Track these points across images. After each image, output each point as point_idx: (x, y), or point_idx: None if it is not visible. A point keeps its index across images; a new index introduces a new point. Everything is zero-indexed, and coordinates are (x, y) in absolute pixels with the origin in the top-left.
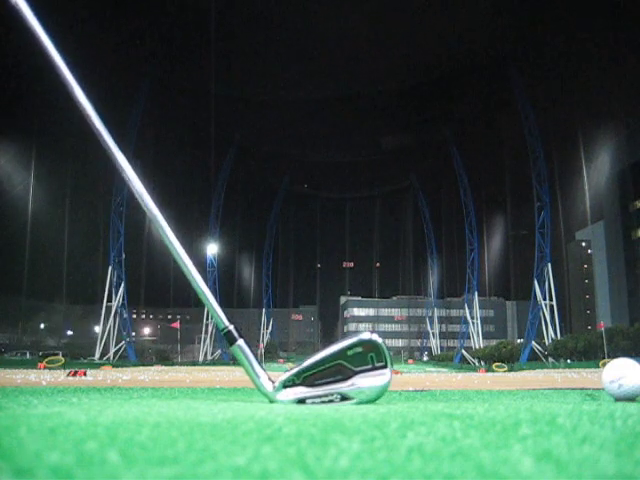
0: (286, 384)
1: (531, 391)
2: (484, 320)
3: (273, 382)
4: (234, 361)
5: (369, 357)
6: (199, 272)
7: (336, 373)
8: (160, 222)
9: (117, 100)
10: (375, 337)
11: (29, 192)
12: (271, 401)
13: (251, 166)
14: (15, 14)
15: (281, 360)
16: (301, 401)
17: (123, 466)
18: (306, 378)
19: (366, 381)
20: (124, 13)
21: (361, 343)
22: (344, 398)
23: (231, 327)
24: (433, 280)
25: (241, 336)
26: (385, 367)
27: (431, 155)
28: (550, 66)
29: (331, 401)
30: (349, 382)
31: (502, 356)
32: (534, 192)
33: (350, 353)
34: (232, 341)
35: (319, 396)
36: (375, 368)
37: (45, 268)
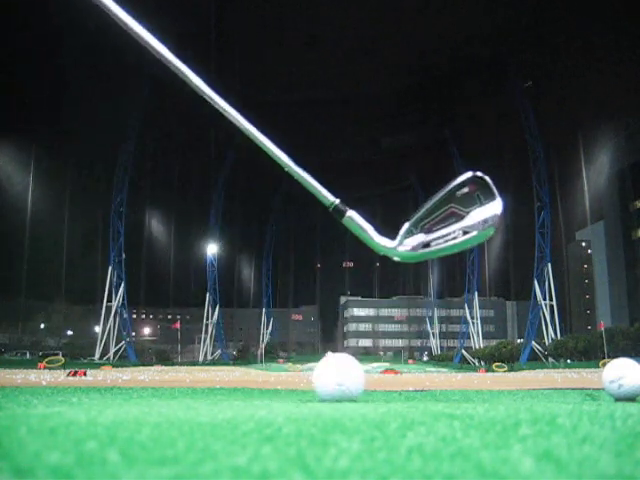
0: (406, 236)
1: (531, 391)
2: (484, 320)
3: (390, 238)
4: (234, 361)
5: (476, 196)
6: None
7: (450, 216)
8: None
9: (117, 101)
10: (479, 173)
11: (29, 192)
12: (396, 255)
13: (251, 166)
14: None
15: (281, 360)
16: (426, 245)
17: (123, 466)
18: (424, 226)
19: (481, 215)
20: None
21: (466, 183)
22: (465, 232)
23: (337, 201)
24: (433, 280)
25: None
26: (494, 199)
27: (431, 155)
28: (550, 66)
29: (454, 238)
30: (465, 220)
31: (502, 356)
32: (534, 192)
33: (459, 195)
34: (342, 214)
35: (442, 236)
36: (484, 204)
37: (45, 268)
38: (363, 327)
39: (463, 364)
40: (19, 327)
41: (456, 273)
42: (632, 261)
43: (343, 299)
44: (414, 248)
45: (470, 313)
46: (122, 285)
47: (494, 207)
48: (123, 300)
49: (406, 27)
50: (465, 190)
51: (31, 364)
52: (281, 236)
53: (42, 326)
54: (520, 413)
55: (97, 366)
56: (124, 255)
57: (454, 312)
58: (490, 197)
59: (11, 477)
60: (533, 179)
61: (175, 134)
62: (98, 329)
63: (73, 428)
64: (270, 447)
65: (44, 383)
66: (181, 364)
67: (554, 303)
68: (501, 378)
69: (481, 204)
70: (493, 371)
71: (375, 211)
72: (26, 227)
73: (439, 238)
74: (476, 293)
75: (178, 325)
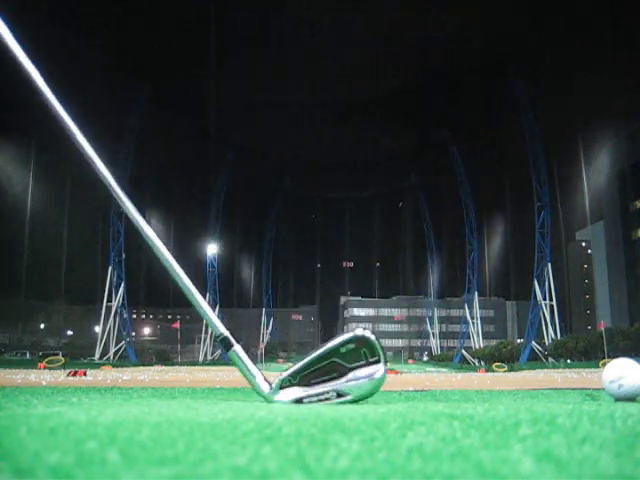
0: (283, 385)
1: (531, 391)
2: (484, 320)
3: (270, 383)
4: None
5: (362, 353)
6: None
7: (331, 371)
8: (149, 235)
9: (118, 101)
10: (367, 333)
11: (29, 192)
12: (269, 402)
13: (251, 166)
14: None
15: (281, 360)
16: (298, 401)
17: (123, 466)
18: (302, 378)
19: (360, 377)
20: (125, 14)
21: (353, 340)
22: (340, 395)
23: (226, 333)
24: (433, 280)
25: (237, 341)
26: (379, 362)
27: (431, 155)
28: (550, 66)
29: (327, 399)
30: (344, 379)
31: (502, 356)
32: (534, 192)
33: (343, 350)
34: (228, 347)
35: (316, 394)
36: (369, 363)
37: (45, 268)
38: (363, 327)
39: (463, 364)
40: (19, 327)
41: (456, 273)
42: (632, 261)
43: (343, 299)
44: (287, 401)
45: (470, 313)
46: (122, 285)
47: (377, 371)
48: (123, 300)
49: (406, 28)
50: (351, 346)
51: (31, 364)
52: (281, 236)
53: (42, 326)
54: (520, 413)
55: (97, 366)
56: (124, 255)
57: (454, 312)
58: (375, 358)
59: (11, 477)
60: (533, 179)
61: (176, 134)
62: (98, 329)
63: (73, 428)
64: (270, 447)
65: (44, 383)
66: (181, 364)
67: (554, 303)
68: (501, 378)
69: (367, 363)
70: (493, 371)
71: (375, 211)
72: (26, 227)
73: (312, 396)
74: (476, 293)
75: (178, 325)
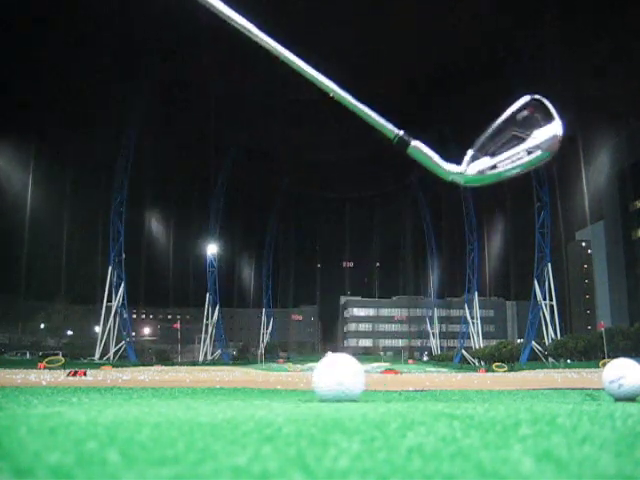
0: (471, 161)
1: (531, 391)
2: (484, 320)
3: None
4: (234, 361)
5: (536, 118)
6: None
7: (512, 139)
8: None
9: (118, 101)
10: (537, 96)
11: (29, 192)
12: (465, 179)
13: (251, 166)
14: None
15: (281, 360)
16: (493, 167)
17: (123, 466)
18: (488, 151)
19: (542, 136)
20: (125, 14)
21: (525, 106)
22: (529, 152)
23: (401, 132)
24: (433, 280)
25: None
26: (553, 120)
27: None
28: (550, 65)
29: (520, 158)
30: (528, 141)
31: (502, 356)
32: (534, 192)
33: (519, 118)
34: (407, 144)
35: (508, 157)
36: (543, 126)
37: (45, 268)
38: (363, 327)
39: (463, 364)
40: (19, 327)
41: (456, 273)
42: (632, 261)
43: (343, 299)
44: (481, 171)
45: (470, 313)
46: (122, 285)
47: (554, 128)
48: (123, 300)
49: (406, 27)
50: (525, 113)
51: (31, 364)
52: (281, 236)
53: (42, 326)
54: (520, 413)
55: (97, 366)
56: (124, 255)
57: (454, 312)
58: (549, 119)
59: (11, 477)
60: (533, 179)
61: (176, 134)
62: (98, 329)
63: (73, 428)
64: (270, 447)
65: (44, 383)
66: (181, 364)
67: (554, 303)
68: (501, 378)
69: (541, 126)
70: (493, 371)
71: (375, 211)
72: (26, 227)
73: (505, 159)
74: (476, 293)
75: (178, 325)
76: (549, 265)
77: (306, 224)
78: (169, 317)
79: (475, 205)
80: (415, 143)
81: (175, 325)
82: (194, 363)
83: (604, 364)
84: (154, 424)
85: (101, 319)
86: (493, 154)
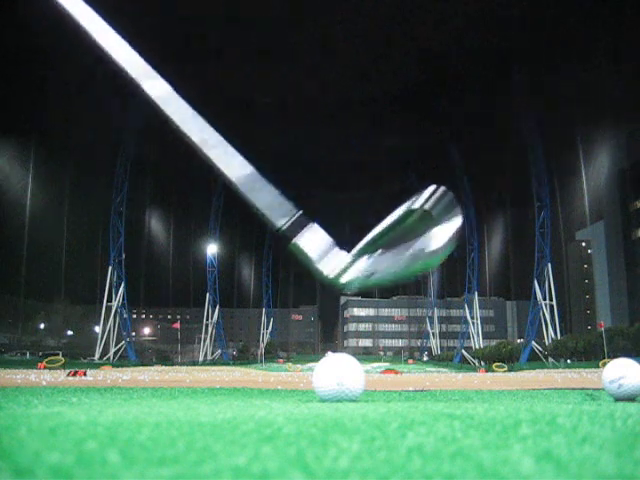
0: (354, 260)
1: (531, 391)
2: (484, 320)
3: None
4: (234, 361)
5: (437, 213)
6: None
7: (402, 239)
8: None
9: (119, 100)
10: (442, 187)
11: (29, 192)
12: (340, 286)
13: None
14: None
15: (281, 360)
16: (372, 273)
17: (123, 466)
18: (373, 249)
19: (439, 234)
20: (125, 13)
21: (427, 198)
22: (416, 257)
23: (286, 226)
24: (433, 280)
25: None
26: (455, 215)
27: (431, 155)
28: (550, 66)
29: (404, 264)
30: (418, 242)
31: (502, 356)
32: (534, 192)
33: (418, 212)
34: (288, 239)
35: (391, 262)
36: (442, 222)
37: (45, 268)
38: (363, 327)
39: (463, 364)
40: (19, 327)
41: (456, 273)
42: (632, 261)
43: (343, 299)
44: (359, 277)
45: (470, 313)
46: (122, 285)
47: (453, 225)
48: (123, 300)
49: (406, 27)
50: (427, 206)
51: (31, 364)
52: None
53: (42, 326)
54: (520, 413)
55: (97, 366)
56: (124, 255)
57: (454, 312)
58: (450, 213)
59: (11, 477)
60: (533, 179)
61: (176, 134)
62: (98, 329)
63: (73, 428)
64: (270, 447)
65: (44, 383)
66: (181, 364)
67: (554, 303)
68: (501, 378)
69: (440, 221)
70: (493, 371)
71: (375, 211)
72: (26, 227)
73: (387, 264)
74: (476, 293)
75: (178, 325)
76: (549, 265)
77: None
78: (169, 317)
79: (475, 205)
80: (297, 240)
81: (175, 325)
82: (194, 363)
83: (604, 364)
84: (154, 424)
85: (101, 319)
86: (376, 257)
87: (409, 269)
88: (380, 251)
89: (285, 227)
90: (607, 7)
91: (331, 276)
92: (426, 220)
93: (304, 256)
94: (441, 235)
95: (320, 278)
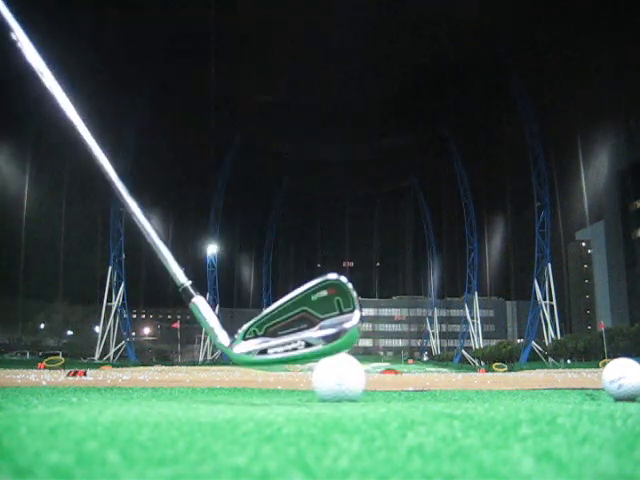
0: (246, 336)
1: (531, 391)
2: (484, 320)
3: (233, 337)
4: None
5: (335, 302)
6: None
7: (301, 321)
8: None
9: (118, 100)
10: (342, 278)
11: (28, 192)
12: (232, 357)
13: (251, 166)
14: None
15: None
16: (262, 352)
17: (123, 466)
18: (268, 329)
19: (332, 325)
20: (126, 12)
21: (325, 286)
22: (308, 345)
23: (188, 284)
24: (433, 280)
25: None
26: (353, 311)
27: (431, 155)
28: (550, 66)
29: (295, 349)
30: (315, 328)
31: (502, 356)
32: (534, 192)
33: (314, 298)
34: (189, 298)
35: (282, 344)
36: (342, 313)
37: (45, 268)
38: (363, 327)
39: (463, 364)
40: (19, 327)
41: (456, 273)
42: (632, 261)
43: None
44: (249, 353)
45: (470, 313)
46: (122, 285)
47: (352, 319)
48: (123, 300)
49: (406, 27)
50: (323, 294)
51: (31, 364)
52: (281, 236)
53: (42, 326)
54: (520, 413)
55: (97, 366)
56: (124, 255)
57: (454, 312)
58: (349, 307)
59: (11, 477)
60: (533, 179)
61: (176, 134)
62: (98, 329)
63: (73, 428)
64: (270, 447)
65: (44, 383)
66: (181, 364)
67: (554, 303)
68: (501, 378)
69: (340, 313)
70: (493, 371)
71: (375, 211)
72: (26, 227)
73: (279, 346)
74: (476, 293)
75: (178, 325)
76: (549, 265)
77: (306, 224)
78: (169, 317)
79: (475, 205)
80: (196, 300)
81: (175, 325)
82: (194, 363)
83: (604, 364)
84: (154, 424)
85: (101, 319)
86: (273, 334)
87: (299, 355)
88: (277, 329)
89: (186, 285)
90: (607, 7)
91: (224, 345)
92: (322, 307)
93: (202, 317)
94: (335, 326)
95: (215, 343)
